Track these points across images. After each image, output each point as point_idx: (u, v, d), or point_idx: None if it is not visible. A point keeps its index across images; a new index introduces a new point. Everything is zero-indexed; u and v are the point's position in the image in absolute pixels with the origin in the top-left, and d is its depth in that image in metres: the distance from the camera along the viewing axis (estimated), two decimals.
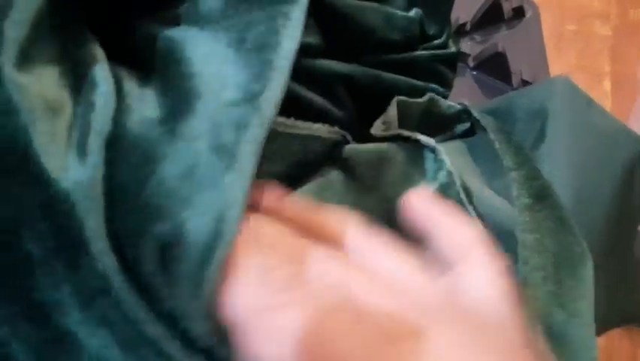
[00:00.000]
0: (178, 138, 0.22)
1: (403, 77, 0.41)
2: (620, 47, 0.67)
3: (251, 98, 0.22)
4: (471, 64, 0.72)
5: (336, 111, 0.39)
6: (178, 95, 0.23)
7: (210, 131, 0.22)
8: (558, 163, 0.39)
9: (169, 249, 0.20)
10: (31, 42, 0.22)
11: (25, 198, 0.21)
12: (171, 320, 0.21)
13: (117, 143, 0.21)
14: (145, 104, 0.23)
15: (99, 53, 0.25)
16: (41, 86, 0.22)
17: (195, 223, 0.20)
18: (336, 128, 0.37)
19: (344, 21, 0.39)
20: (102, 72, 0.23)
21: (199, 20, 0.27)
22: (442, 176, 0.35)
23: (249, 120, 0.22)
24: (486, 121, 0.37)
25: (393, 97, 0.39)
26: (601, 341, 0.52)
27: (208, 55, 0.24)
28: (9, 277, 0.21)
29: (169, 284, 0.20)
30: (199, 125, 0.22)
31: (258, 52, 0.24)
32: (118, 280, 0.20)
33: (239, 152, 0.21)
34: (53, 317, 0.21)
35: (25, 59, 0.22)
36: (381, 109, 0.39)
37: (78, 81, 0.23)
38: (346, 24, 0.39)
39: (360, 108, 0.40)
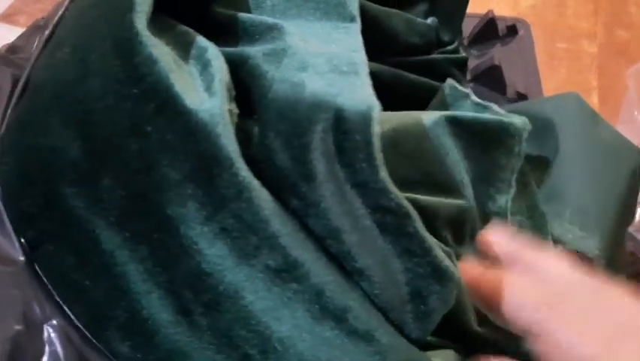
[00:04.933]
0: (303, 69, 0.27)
1: (422, 77, 0.46)
2: (607, 63, 0.73)
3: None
4: (468, 76, 0.76)
5: None
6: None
7: (327, 62, 0.27)
8: (573, 172, 0.42)
9: (338, 126, 0.25)
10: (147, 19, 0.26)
11: (169, 130, 0.25)
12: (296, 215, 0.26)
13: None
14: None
15: (190, 30, 0.29)
16: (164, 47, 0.26)
17: (351, 104, 0.25)
18: None
19: (374, 24, 0.43)
20: (204, 40, 0.28)
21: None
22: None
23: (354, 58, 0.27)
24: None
25: (414, 94, 0.44)
26: None
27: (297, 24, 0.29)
28: (145, 198, 0.25)
29: (344, 153, 0.25)
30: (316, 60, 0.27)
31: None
32: (255, 185, 0.25)
33: (357, 70, 0.27)
34: (181, 229, 0.25)
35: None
36: (403, 105, 0.44)
37: (182, 49, 0.27)
38: (375, 27, 0.44)
39: (384, 104, 0.45)
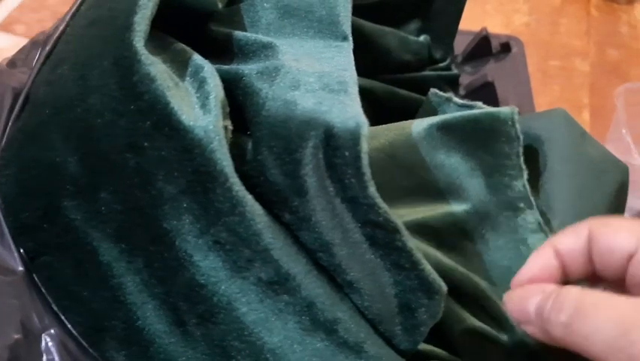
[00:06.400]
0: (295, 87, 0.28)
1: (414, 94, 0.47)
2: (598, 81, 0.74)
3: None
4: (462, 92, 0.76)
5: None
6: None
7: (318, 81, 0.28)
8: (561, 187, 0.43)
9: (328, 142, 0.26)
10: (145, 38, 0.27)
11: (165, 146, 0.25)
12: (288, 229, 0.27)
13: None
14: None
15: (187, 47, 0.30)
16: (161, 65, 0.27)
17: (340, 121, 0.26)
18: None
19: (368, 41, 0.45)
20: (200, 58, 0.29)
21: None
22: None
23: (345, 77, 0.28)
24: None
25: (406, 110, 0.45)
26: None
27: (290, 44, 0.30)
28: (142, 211, 0.26)
29: (334, 169, 0.26)
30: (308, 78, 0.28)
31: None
32: (249, 199, 0.25)
33: (346, 88, 0.28)
34: (176, 242, 0.26)
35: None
36: (395, 121, 0.45)
37: (179, 66, 0.28)
38: (369, 44, 0.45)
39: (377, 119, 0.46)
